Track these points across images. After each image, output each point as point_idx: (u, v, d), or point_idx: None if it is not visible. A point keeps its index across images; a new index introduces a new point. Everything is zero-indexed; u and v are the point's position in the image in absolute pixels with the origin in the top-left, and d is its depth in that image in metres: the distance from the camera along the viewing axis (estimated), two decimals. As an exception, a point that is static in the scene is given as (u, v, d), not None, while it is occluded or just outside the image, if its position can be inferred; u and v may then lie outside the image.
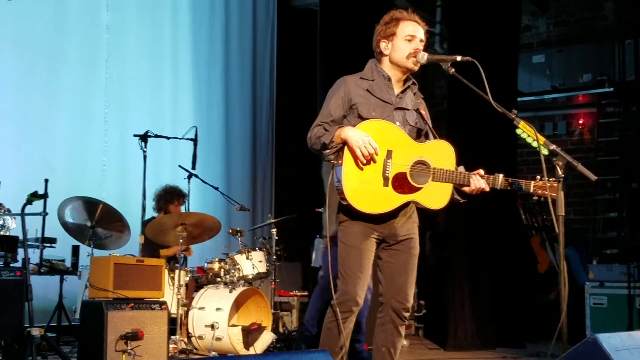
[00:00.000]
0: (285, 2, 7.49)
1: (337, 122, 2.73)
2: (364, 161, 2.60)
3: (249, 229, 5.79)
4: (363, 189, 2.62)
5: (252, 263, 4.76)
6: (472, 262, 5.28)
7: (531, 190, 2.72)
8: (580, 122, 7.07)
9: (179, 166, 5.04)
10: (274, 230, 5.25)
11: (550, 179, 2.62)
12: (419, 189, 2.68)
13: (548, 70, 7.15)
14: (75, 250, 4.73)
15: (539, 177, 2.70)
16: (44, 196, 4.22)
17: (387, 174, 2.64)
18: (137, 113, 5.94)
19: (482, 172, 2.74)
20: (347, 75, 2.82)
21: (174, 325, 4.24)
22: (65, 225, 4.53)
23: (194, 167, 4.86)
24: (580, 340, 2.38)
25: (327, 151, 2.65)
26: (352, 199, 2.62)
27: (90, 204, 4.52)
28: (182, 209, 5.07)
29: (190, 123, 5.39)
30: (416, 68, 2.79)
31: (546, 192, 2.64)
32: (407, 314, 2.80)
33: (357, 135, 2.59)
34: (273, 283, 5.21)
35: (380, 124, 2.68)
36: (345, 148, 2.62)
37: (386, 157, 2.64)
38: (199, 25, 6.58)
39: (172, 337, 4.16)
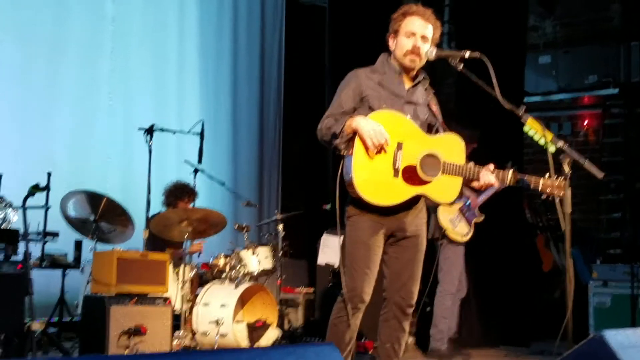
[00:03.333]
0: (294, -2, 7.47)
1: (348, 114, 2.71)
2: (375, 150, 2.57)
3: (255, 225, 5.76)
4: (373, 179, 2.60)
5: (258, 259, 4.74)
6: (477, 260, 5.26)
7: (540, 189, 2.70)
8: (586, 123, 7.05)
9: (185, 161, 5.01)
10: (280, 227, 5.22)
11: (559, 178, 2.61)
12: (428, 182, 2.66)
13: (554, 71, 7.13)
14: (78, 245, 4.70)
15: (547, 175, 2.69)
16: (46, 188, 4.19)
17: (397, 166, 2.63)
18: (141, 106, 5.92)
19: (492, 166, 2.73)
20: (358, 68, 2.80)
21: (178, 321, 4.21)
22: (68, 219, 4.50)
23: (200, 162, 4.83)
24: (584, 340, 2.36)
25: (337, 141, 2.62)
26: (362, 190, 2.59)
27: (93, 198, 4.49)
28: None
29: (196, 117, 5.36)
30: (413, 65, 2.75)
31: (555, 191, 2.63)
32: (410, 310, 2.79)
33: (368, 124, 2.57)
34: (279, 279, 5.19)
35: (392, 115, 2.66)
36: (356, 138, 2.59)
37: (397, 148, 2.62)
38: (206, 18, 6.55)
39: (176, 333, 4.14)
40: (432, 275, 4.43)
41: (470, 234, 4.53)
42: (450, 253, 4.58)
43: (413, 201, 2.72)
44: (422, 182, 2.66)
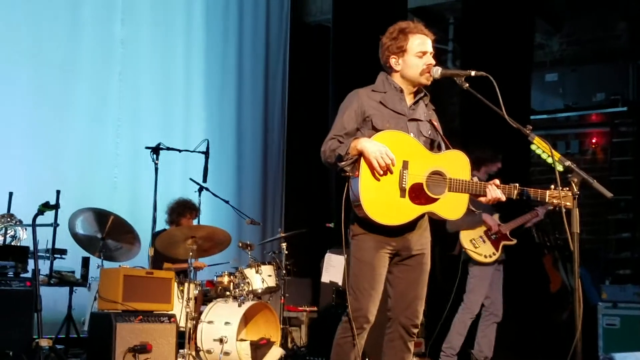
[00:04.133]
0: (299, 18, 7.55)
1: (351, 135, 2.71)
2: (381, 172, 2.57)
3: (259, 243, 5.77)
4: (380, 200, 2.60)
5: (262, 277, 4.74)
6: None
7: (547, 200, 2.70)
8: (594, 141, 7.03)
9: (190, 179, 5.05)
10: (284, 245, 5.22)
11: (565, 189, 2.60)
12: (435, 199, 2.66)
13: (561, 89, 7.13)
14: (86, 262, 4.73)
15: (552, 186, 2.68)
16: (56, 207, 4.23)
17: (403, 185, 2.62)
18: (149, 126, 5.99)
19: (497, 182, 2.73)
20: (359, 89, 2.80)
21: (183, 338, 4.21)
22: (75, 237, 4.54)
23: (205, 180, 4.87)
24: (593, 361, 2.33)
25: (343, 163, 2.61)
26: (369, 211, 2.59)
27: (101, 216, 4.53)
28: (194, 222, 5.07)
29: (202, 136, 5.41)
30: (429, 83, 2.77)
31: (563, 201, 2.62)
32: (416, 330, 2.77)
33: (373, 146, 2.56)
34: (282, 298, 5.18)
35: (396, 134, 2.67)
36: (362, 159, 2.59)
37: (402, 167, 2.63)
38: (212, 40, 6.65)
39: (181, 350, 4.13)
40: (453, 292, 4.45)
41: (497, 256, 4.57)
42: (477, 272, 4.61)
43: (418, 220, 2.72)
44: (429, 200, 2.66)
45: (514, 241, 4.62)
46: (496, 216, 4.63)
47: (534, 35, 6.48)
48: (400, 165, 2.61)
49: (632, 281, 5.47)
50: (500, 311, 4.69)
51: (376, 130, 2.69)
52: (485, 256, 4.55)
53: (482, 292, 4.60)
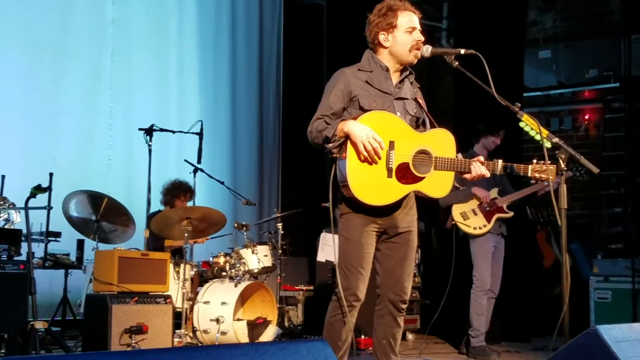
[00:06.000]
0: (292, -3, 7.48)
1: (338, 114, 2.72)
2: (368, 156, 2.58)
3: (255, 223, 5.80)
4: (368, 181, 2.62)
5: (258, 257, 4.77)
6: (463, 254, 5.27)
7: (529, 174, 2.73)
8: (586, 117, 7.03)
9: (185, 160, 5.04)
10: (279, 225, 5.25)
11: (547, 162, 2.62)
12: (422, 178, 2.69)
13: (554, 65, 7.11)
14: (80, 244, 4.74)
15: (535, 160, 2.71)
16: (48, 189, 4.23)
17: (390, 165, 2.64)
18: (142, 107, 5.96)
19: (481, 158, 2.76)
20: (344, 68, 2.79)
21: (179, 319, 4.25)
22: (70, 219, 4.54)
23: (199, 162, 4.86)
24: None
25: (330, 145, 2.63)
26: (357, 192, 2.61)
27: (95, 198, 4.53)
28: (189, 203, 5.08)
29: (196, 117, 5.39)
30: (415, 61, 2.77)
31: (544, 175, 2.64)
32: (404, 306, 2.80)
33: (360, 129, 2.57)
34: (279, 277, 5.22)
35: (381, 115, 2.67)
36: (349, 142, 2.60)
37: (389, 148, 2.64)
38: (205, 18, 6.58)
39: (177, 331, 4.17)
40: (452, 266, 4.50)
41: (487, 228, 4.56)
42: (476, 249, 4.63)
43: (404, 198, 2.73)
44: (416, 179, 2.68)
45: (510, 214, 4.60)
46: (494, 190, 4.61)
47: (527, 12, 6.44)
48: (386, 146, 2.63)
49: (623, 255, 5.52)
50: (497, 288, 4.72)
51: (363, 110, 2.70)
52: (475, 228, 4.55)
53: (486, 266, 4.60)
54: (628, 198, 6.27)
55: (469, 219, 4.56)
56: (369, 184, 2.62)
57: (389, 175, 2.64)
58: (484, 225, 4.56)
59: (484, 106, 4.50)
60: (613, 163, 6.66)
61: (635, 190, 6.14)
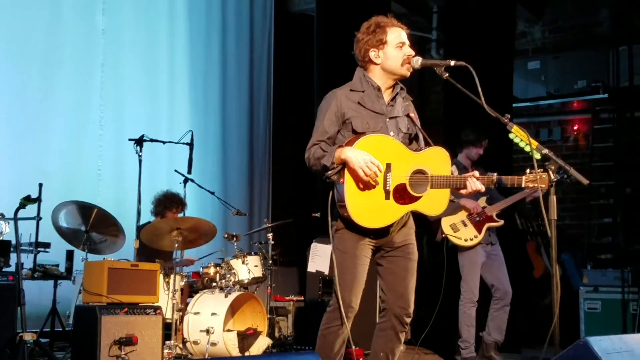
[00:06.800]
0: (283, 7, 7.52)
1: (333, 138, 2.74)
2: (368, 181, 2.60)
3: (245, 234, 5.78)
4: (366, 205, 2.65)
5: (248, 268, 4.76)
6: (454, 266, 5.28)
7: (523, 185, 2.74)
8: (575, 128, 7.10)
9: (175, 170, 5.03)
10: (270, 235, 5.25)
11: (539, 170, 2.64)
12: (418, 197, 2.72)
13: (543, 76, 7.18)
14: (70, 255, 4.71)
15: (528, 170, 2.72)
16: (37, 200, 4.21)
17: (387, 188, 2.68)
18: (132, 117, 5.95)
19: (477, 173, 2.78)
20: (336, 89, 2.81)
21: (169, 330, 4.22)
22: (59, 230, 4.52)
23: (189, 172, 4.86)
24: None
25: (329, 173, 2.66)
26: (356, 216, 2.65)
27: (84, 209, 4.51)
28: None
29: (186, 127, 5.39)
30: (408, 74, 2.79)
31: (537, 185, 2.66)
32: (408, 320, 2.80)
33: (358, 156, 2.59)
34: (269, 288, 5.20)
35: (376, 138, 2.70)
36: (346, 169, 2.63)
37: (386, 170, 2.67)
38: (195, 29, 6.60)
39: (167, 342, 4.14)
40: (443, 279, 4.46)
41: (479, 239, 4.53)
42: (465, 260, 4.60)
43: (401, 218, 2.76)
44: (413, 199, 2.72)
45: (500, 222, 4.58)
46: (482, 200, 4.61)
47: (516, 23, 6.50)
48: (384, 168, 2.66)
49: (613, 266, 5.55)
50: (506, 294, 4.63)
51: (356, 133, 2.72)
52: (466, 239, 4.52)
53: (475, 278, 4.57)
54: (617, 208, 6.31)
55: (459, 230, 4.53)
56: (367, 207, 2.66)
57: (387, 197, 2.67)
58: (475, 237, 4.54)
59: (474, 116, 4.53)
60: (602, 173, 6.72)
61: (624, 201, 6.18)
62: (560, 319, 2.53)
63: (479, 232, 4.54)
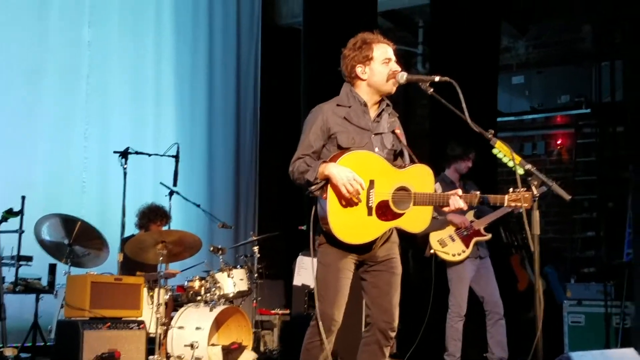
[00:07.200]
0: (270, 21, 7.56)
1: (318, 152, 2.76)
2: (350, 198, 2.62)
3: (231, 247, 5.76)
4: (348, 221, 2.66)
5: (234, 281, 4.74)
6: (443, 281, 5.29)
7: (505, 204, 2.77)
8: (559, 142, 7.18)
9: (161, 183, 5.01)
10: (256, 248, 5.23)
11: (522, 190, 2.66)
12: (401, 214, 2.73)
13: (527, 91, 7.27)
14: (52, 269, 4.66)
15: (511, 189, 2.75)
16: (19, 213, 4.18)
17: (370, 204, 2.69)
18: (118, 129, 5.92)
19: (459, 191, 2.79)
20: (323, 104, 2.83)
21: (153, 344, 4.18)
22: (42, 243, 4.48)
23: (175, 184, 4.85)
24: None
25: (312, 188, 2.67)
26: (337, 232, 2.66)
27: (68, 222, 4.48)
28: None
29: (172, 140, 5.39)
30: (394, 90, 2.82)
31: (519, 204, 2.69)
32: (393, 334, 2.80)
33: (341, 173, 2.61)
34: (254, 301, 5.18)
35: (360, 155, 2.71)
36: (329, 185, 2.64)
37: (369, 187, 2.69)
38: (182, 42, 6.60)
39: (151, 357, 4.10)
40: (431, 294, 4.47)
41: (466, 253, 4.53)
42: (453, 274, 4.60)
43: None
44: (395, 216, 2.73)
45: (488, 236, 4.58)
46: (470, 214, 4.60)
47: (500, 38, 6.59)
48: (367, 185, 2.67)
49: (596, 279, 5.59)
50: (498, 307, 4.63)
51: (341, 148, 2.74)
52: (453, 254, 4.53)
53: (462, 293, 4.58)
54: (600, 222, 6.37)
55: (447, 245, 4.54)
56: (349, 224, 2.67)
57: (369, 214, 2.68)
58: (463, 251, 4.54)
59: (460, 129, 4.56)
60: (585, 187, 6.78)
61: (607, 215, 6.24)
62: (544, 333, 2.54)
63: (467, 246, 4.54)
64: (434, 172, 2.84)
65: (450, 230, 4.57)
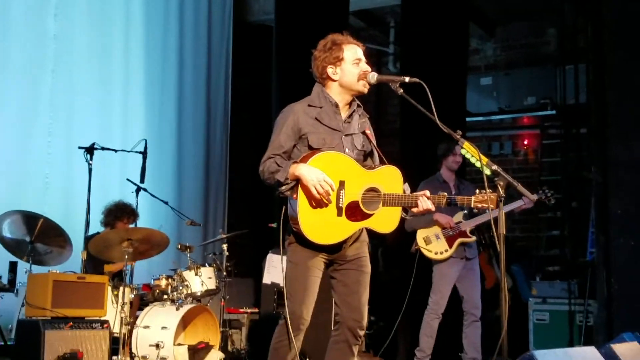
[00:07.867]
0: (241, 17, 7.50)
1: (288, 152, 2.76)
2: (320, 199, 2.63)
3: (199, 245, 5.70)
4: (318, 221, 2.68)
5: (201, 279, 4.68)
6: (422, 278, 5.33)
7: (472, 205, 2.81)
8: (525, 142, 7.31)
9: (127, 179, 4.93)
10: (224, 246, 5.18)
11: (489, 191, 2.70)
12: (370, 215, 2.75)
13: (495, 92, 7.39)
14: (13, 267, 4.55)
15: (478, 190, 2.79)
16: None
17: (340, 205, 2.71)
18: (84, 125, 5.78)
19: (427, 192, 2.82)
20: (294, 104, 2.84)
21: (117, 344, 4.10)
22: (2, 240, 4.37)
23: (142, 181, 4.77)
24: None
25: (283, 188, 2.68)
26: (308, 232, 2.67)
27: (30, 219, 4.38)
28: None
29: (140, 135, 5.28)
30: (366, 90, 2.83)
31: (485, 205, 2.73)
32: (362, 332, 2.82)
33: (311, 173, 2.62)
34: (222, 300, 5.13)
35: (331, 156, 2.72)
36: (299, 185, 2.65)
37: (339, 187, 2.70)
38: (152, 36, 6.49)
39: (114, 357, 4.03)
40: (409, 291, 4.49)
41: (449, 253, 4.55)
42: (436, 272, 4.63)
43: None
44: (365, 216, 2.75)
45: (472, 238, 4.62)
46: (460, 214, 4.62)
47: (469, 40, 6.67)
48: (337, 186, 2.69)
49: (560, 278, 5.70)
50: (476, 309, 4.66)
51: (311, 148, 2.75)
52: (436, 253, 4.56)
53: (443, 291, 4.60)
54: (564, 221, 6.51)
55: (432, 243, 4.58)
56: (319, 224, 2.68)
57: (339, 214, 2.70)
58: (445, 250, 4.56)
59: (430, 129, 4.59)
60: (550, 187, 6.88)
61: (571, 214, 6.38)
62: (509, 331, 2.58)
63: (450, 246, 4.57)
64: (406, 174, 2.85)
65: (437, 229, 4.60)
